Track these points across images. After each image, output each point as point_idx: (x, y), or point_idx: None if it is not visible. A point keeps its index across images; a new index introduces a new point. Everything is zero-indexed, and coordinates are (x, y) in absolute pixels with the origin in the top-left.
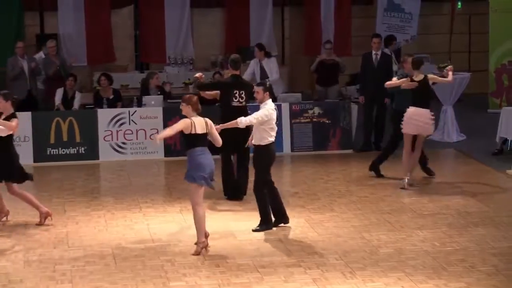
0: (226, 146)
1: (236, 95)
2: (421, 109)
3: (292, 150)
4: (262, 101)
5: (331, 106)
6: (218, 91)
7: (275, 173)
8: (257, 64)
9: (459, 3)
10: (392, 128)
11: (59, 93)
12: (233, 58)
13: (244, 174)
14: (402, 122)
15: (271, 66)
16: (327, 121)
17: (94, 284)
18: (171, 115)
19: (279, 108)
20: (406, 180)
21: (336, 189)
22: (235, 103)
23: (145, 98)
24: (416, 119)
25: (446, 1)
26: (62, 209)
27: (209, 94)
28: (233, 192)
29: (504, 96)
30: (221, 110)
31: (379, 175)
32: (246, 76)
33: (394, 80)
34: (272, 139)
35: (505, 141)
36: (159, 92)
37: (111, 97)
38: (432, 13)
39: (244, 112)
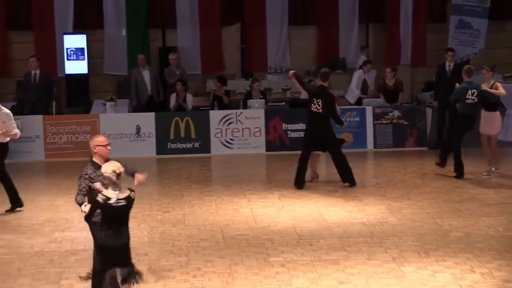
0: (308, 145)
1: (315, 102)
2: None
3: (375, 147)
4: None
5: (408, 109)
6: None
7: (360, 166)
8: (361, 76)
9: None
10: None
11: (173, 98)
12: (323, 72)
13: (344, 166)
14: (480, 124)
15: (372, 78)
16: (405, 123)
17: (206, 258)
18: (271, 116)
19: (363, 111)
20: (492, 169)
21: (413, 181)
22: (313, 108)
23: (250, 102)
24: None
25: (510, 19)
26: (180, 194)
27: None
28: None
29: None
30: (307, 113)
31: (443, 165)
32: (353, 83)
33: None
34: None
35: None
36: (261, 97)
37: (223, 93)
38: (498, 30)
39: (321, 118)
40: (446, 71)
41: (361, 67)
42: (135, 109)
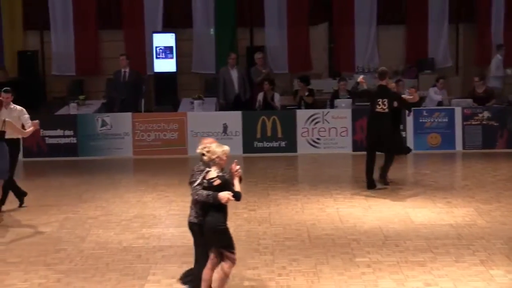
0: (371, 145)
1: (380, 102)
2: None
3: (464, 148)
4: None
5: (499, 110)
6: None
7: (449, 167)
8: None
9: None
10: None
11: (260, 97)
12: (379, 71)
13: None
14: None
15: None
16: (495, 124)
17: (291, 256)
18: (358, 116)
19: (452, 112)
20: None
21: (503, 183)
22: (378, 109)
23: (337, 101)
24: None
25: None
26: (266, 193)
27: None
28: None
29: None
30: (369, 115)
31: None
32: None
33: None
34: None
35: None
36: (348, 96)
37: (307, 93)
38: None
39: (387, 118)
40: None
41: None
42: (222, 107)
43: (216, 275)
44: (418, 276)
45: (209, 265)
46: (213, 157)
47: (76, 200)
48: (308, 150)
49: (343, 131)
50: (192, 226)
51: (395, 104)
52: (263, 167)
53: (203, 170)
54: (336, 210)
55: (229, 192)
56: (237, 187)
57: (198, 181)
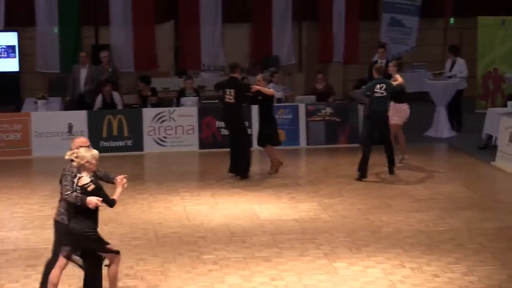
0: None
1: (227, 93)
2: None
3: (308, 144)
4: None
5: (341, 106)
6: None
7: (293, 163)
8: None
9: (452, 19)
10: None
11: (98, 99)
12: (230, 64)
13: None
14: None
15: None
16: (338, 120)
17: (138, 256)
18: (204, 114)
19: (296, 109)
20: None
21: (345, 178)
22: (226, 99)
23: (183, 99)
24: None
25: (441, 17)
26: (112, 192)
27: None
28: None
29: (489, 99)
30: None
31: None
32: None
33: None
34: None
35: (490, 137)
36: (194, 94)
37: (150, 93)
38: (428, 28)
39: (234, 108)
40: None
41: None
42: (68, 105)
43: (110, 278)
44: (264, 271)
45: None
46: (82, 162)
47: None
48: (155, 149)
49: (190, 129)
50: (54, 223)
51: (251, 94)
52: (109, 166)
53: (74, 172)
54: (183, 208)
55: (98, 198)
56: (116, 195)
57: (70, 188)
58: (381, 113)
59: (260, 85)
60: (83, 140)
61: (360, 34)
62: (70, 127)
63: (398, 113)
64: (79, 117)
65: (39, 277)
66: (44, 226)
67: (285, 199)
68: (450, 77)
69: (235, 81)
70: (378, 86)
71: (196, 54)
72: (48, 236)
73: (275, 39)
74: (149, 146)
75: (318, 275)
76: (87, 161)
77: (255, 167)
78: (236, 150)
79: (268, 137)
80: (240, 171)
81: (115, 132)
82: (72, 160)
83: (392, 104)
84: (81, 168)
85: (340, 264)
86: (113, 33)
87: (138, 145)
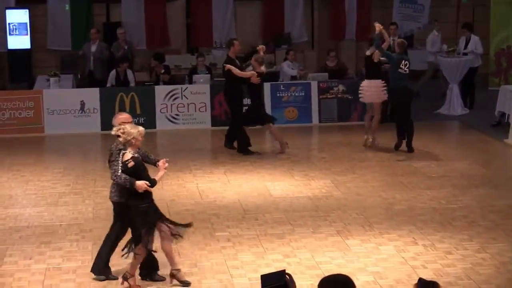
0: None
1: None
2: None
3: (320, 121)
4: None
5: (353, 84)
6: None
7: (306, 140)
8: (463, 40)
9: None
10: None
11: (111, 76)
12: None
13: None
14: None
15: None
16: (350, 97)
17: None
18: (216, 91)
19: (308, 86)
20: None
21: (357, 155)
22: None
23: (195, 77)
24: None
25: None
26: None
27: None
28: None
29: (502, 76)
30: None
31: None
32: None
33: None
34: None
35: (503, 114)
36: (206, 72)
37: (163, 71)
38: (441, 5)
39: (224, 85)
40: (390, 46)
41: None
42: (79, 83)
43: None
44: (277, 248)
45: (162, 239)
46: (129, 138)
47: None
48: (167, 126)
49: (202, 107)
50: (114, 205)
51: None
52: None
53: (120, 149)
54: (196, 186)
55: (146, 182)
56: (158, 176)
57: (117, 166)
58: (400, 90)
59: (254, 66)
60: (126, 116)
61: (372, 11)
62: (83, 104)
63: (376, 92)
64: (92, 95)
65: (52, 253)
66: (58, 203)
67: (297, 176)
68: (466, 54)
69: (226, 60)
70: (403, 62)
71: (207, 31)
72: (61, 213)
73: (287, 16)
74: (162, 123)
75: (331, 252)
76: (133, 137)
77: (266, 145)
78: (230, 126)
79: (255, 118)
80: (238, 147)
81: (127, 110)
82: (118, 136)
83: (367, 81)
84: (127, 144)
85: (353, 241)
86: (124, 10)
87: (150, 123)
